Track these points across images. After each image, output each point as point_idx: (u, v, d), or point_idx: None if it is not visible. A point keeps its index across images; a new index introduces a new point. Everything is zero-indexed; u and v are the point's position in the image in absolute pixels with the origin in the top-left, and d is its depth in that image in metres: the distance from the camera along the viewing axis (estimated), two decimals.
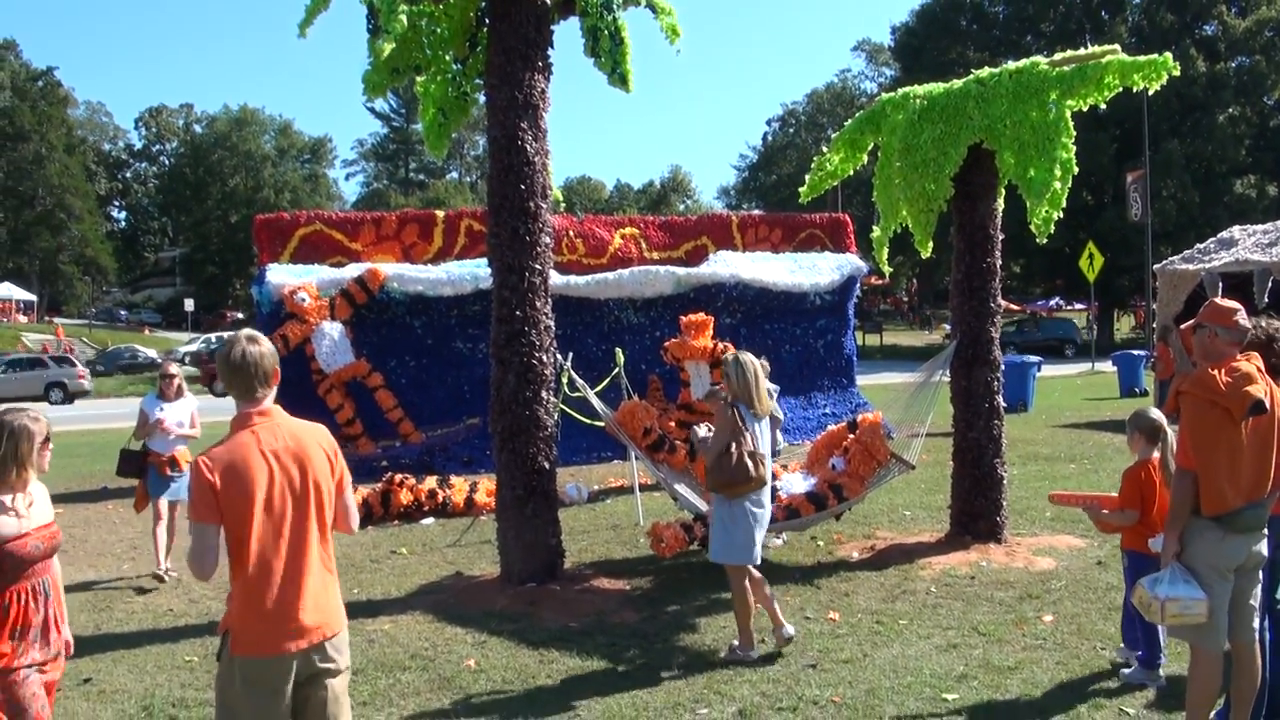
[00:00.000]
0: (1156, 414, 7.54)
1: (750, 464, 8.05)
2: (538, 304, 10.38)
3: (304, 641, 4.49)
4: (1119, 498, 7.56)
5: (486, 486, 14.43)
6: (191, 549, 4.42)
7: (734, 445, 8.02)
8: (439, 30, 10.81)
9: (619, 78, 10.50)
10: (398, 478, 14.78)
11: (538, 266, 10.37)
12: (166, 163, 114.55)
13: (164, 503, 11.46)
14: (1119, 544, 7.91)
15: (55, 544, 5.28)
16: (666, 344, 15.38)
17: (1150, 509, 7.33)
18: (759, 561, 8.29)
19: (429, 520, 14.19)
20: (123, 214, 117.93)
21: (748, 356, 8.44)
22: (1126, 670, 7.52)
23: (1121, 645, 7.85)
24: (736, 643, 8.21)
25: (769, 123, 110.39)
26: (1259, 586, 6.04)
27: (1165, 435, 7.36)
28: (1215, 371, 5.75)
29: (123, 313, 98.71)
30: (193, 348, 64.66)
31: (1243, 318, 5.93)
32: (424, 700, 7.47)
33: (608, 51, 10.39)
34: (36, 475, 5.24)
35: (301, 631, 4.50)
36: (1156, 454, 7.37)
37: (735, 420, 8.15)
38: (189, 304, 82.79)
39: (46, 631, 5.13)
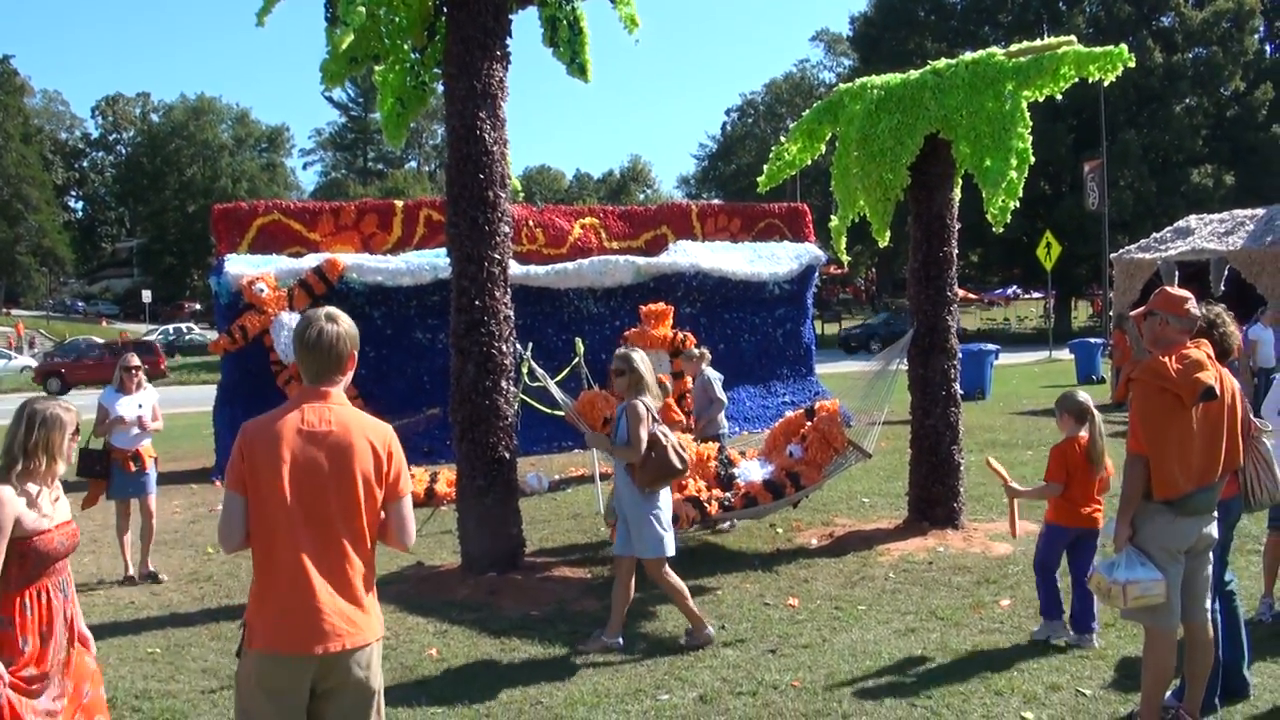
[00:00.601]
0: (1083, 396, 8.02)
1: (683, 452, 8.15)
2: (497, 294, 10.38)
3: (319, 646, 4.07)
4: (1046, 472, 7.95)
5: (447, 476, 14.39)
6: (220, 518, 4.23)
7: (661, 438, 8.06)
8: (397, 19, 10.79)
9: (578, 68, 10.54)
10: None
11: (497, 256, 10.37)
12: (124, 152, 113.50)
13: (133, 503, 11.09)
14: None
15: (75, 542, 5.11)
16: (626, 333, 15.48)
17: (1074, 484, 7.83)
18: (674, 552, 8.31)
19: None
20: (80, 204, 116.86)
21: (639, 351, 8.53)
22: (1035, 629, 8.05)
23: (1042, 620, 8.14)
24: (690, 628, 8.25)
25: (728, 113, 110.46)
26: (1209, 568, 6.14)
27: (1092, 416, 7.87)
28: (1166, 358, 5.83)
29: (80, 304, 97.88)
30: (150, 339, 64.25)
31: (1193, 306, 6.02)
32: (386, 690, 7.47)
33: (566, 41, 10.43)
34: (64, 468, 5.06)
35: (316, 634, 4.08)
36: (1084, 433, 7.79)
37: (650, 413, 8.19)
38: (146, 295, 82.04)
39: (70, 630, 5.01)
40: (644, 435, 8.01)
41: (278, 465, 4.09)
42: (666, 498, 8.26)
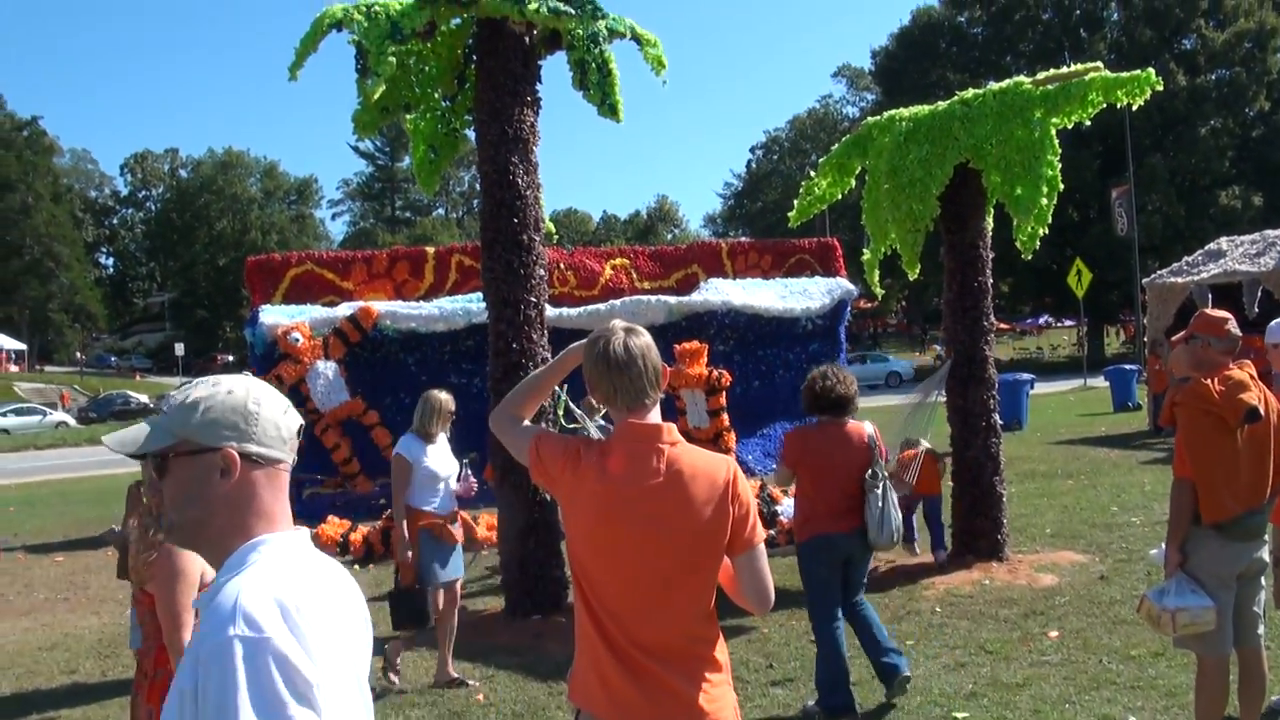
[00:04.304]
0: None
1: None
2: (534, 336, 10.42)
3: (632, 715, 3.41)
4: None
5: (487, 520, 14.40)
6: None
7: None
8: (428, 68, 10.89)
9: (609, 109, 10.56)
10: None
11: (533, 299, 10.42)
12: (153, 208, 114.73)
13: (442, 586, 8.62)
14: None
15: None
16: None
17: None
18: None
19: None
20: (110, 260, 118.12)
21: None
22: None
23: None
24: None
25: (752, 150, 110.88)
26: (1262, 593, 6.09)
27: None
28: (1208, 381, 5.80)
29: (113, 359, 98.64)
30: None
31: (1233, 327, 5.98)
32: None
33: (596, 84, 10.46)
34: None
35: (635, 710, 3.39)
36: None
37: None
38: (179, 348, 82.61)
39: None
40: None
41: (591, 515, 3.51)
42: None
